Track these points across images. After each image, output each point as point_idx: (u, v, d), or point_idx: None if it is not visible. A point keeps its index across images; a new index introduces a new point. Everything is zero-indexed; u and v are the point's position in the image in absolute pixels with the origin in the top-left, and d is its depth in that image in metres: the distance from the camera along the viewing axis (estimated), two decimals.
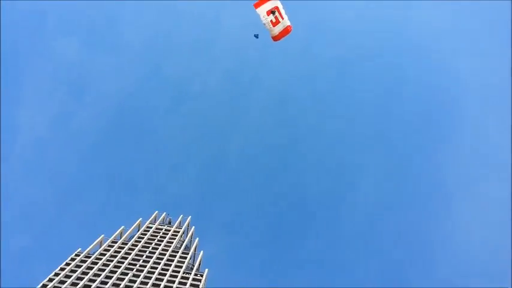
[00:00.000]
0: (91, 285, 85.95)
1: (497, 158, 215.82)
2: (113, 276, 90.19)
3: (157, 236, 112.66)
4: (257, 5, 26.02)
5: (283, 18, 26.59)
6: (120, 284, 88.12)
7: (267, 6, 25.92)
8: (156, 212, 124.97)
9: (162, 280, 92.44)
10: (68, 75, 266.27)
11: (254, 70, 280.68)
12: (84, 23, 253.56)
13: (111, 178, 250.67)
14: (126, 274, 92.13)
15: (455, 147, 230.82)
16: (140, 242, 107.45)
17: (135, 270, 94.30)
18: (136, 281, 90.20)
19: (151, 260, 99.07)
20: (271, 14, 26.09)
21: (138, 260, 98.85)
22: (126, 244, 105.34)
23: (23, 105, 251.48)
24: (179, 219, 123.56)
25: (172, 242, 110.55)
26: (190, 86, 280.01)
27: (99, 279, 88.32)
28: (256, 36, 27.88)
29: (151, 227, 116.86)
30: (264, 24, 26.53)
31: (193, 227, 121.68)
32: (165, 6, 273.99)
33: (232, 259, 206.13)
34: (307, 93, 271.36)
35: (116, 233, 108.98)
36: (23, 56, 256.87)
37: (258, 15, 26.32)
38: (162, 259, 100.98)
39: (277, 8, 26.15)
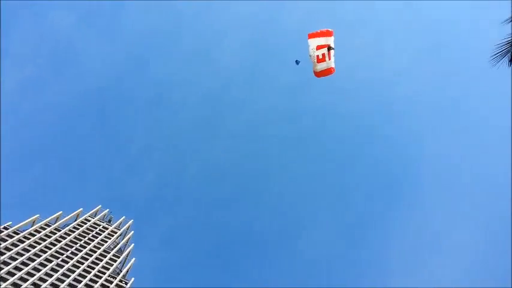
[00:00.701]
0: (10, 263, 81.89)
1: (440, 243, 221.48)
2: (35, 260, 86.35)
3: (93, 231, 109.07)
4: (311, 36, 25.42)
5: (329, 59, 26.01)
6: (40, 270, 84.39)
7: (320, 41, 25.37)
8: (99, 206, 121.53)
9: (85, 277, 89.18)
10: (55, 47, 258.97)
11: (240, 95, 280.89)
12: (87, 2, 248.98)
13: (65, 159, 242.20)
14: (50, 261, 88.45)
15: (405, 221, 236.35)
16: (74, 232, 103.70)
17: (60, 259, 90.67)
18: (58, 270, 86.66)
19: (80, 254, 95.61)
20: (320, 50, 25.55)
21: (67, 250, 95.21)
22: (59, 231, 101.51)
23: None
24: (120, 220, 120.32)
25: (106, 241, 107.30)
26: (172, 92, 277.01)
27: (21, 258, 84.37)
28: (297, 62, 26.83)
29: (89, 220, 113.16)
30: (310, 56, 25.96)
31: (132, 232, 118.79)
32: (174, 9, 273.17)
33: (164, 275, 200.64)
34: (283, 133, 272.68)
35: (52, 217, 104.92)
36: (15, 13, 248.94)
37: (308, 46, 25.66)
38: (91, 256, 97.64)
39: (328, 46, 25.59)
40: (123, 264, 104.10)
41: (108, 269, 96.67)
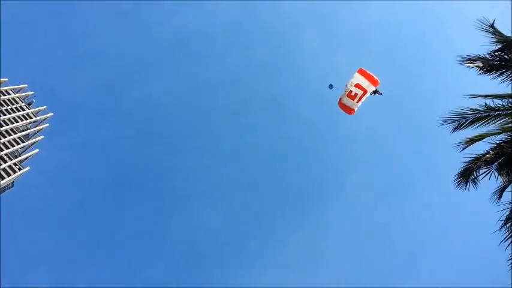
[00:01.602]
0: None
1: None
2: None
3: (8, 105, 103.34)
4: (360, 72, 25.42)
5: (358, 102, 25.99)
6: None
7: (363, 82, 25.35)
8: (25, 85, 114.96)
9: None
10: None
11: (200, 60, 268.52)
12: None
13: (14, 37, 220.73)
14: None
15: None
16: None
17: None
18: None
19: None
20: (357, 89, 25.49)
21: None
22: None
23: None
24: (40, 108, 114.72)
25: (17, 121, 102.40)
26: (146, 15, 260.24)
27: None
28: (331, 86, 26.35)
29: (9, 94, 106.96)
30: (346, 85, 25.82)
31: (48, 125, 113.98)
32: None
33: (62, 179, 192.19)
34: (231, 111, 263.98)
35: None
36: None
37: (352, 77, 25.57)
38: None
39: (365, 91, 25.57)
40: (24, 151, 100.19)
41: (7, 148, 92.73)
